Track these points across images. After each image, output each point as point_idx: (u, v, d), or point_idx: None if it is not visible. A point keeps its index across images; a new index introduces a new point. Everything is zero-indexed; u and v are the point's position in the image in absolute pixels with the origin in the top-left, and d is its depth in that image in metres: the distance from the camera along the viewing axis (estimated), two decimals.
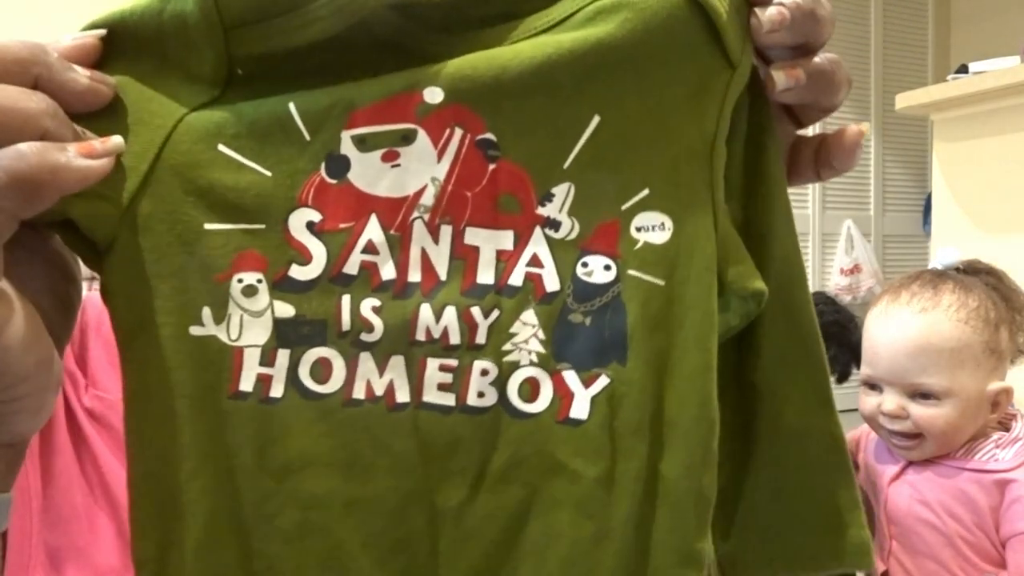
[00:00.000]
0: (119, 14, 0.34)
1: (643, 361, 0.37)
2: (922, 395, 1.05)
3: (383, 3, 0.36)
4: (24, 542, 0.50)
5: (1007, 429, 1.09)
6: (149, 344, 0.35)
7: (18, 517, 0.48)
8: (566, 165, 0.37)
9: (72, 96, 0.32)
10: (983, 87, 1.91)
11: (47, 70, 0.31)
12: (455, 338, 0.37)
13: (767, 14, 0.37)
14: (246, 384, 0.36)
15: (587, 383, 0.38)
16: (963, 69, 2.14)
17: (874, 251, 3.62)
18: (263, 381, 0.36)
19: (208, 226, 0.35)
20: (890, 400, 1.06)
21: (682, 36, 0.37)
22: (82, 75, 0.32)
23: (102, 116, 0.33)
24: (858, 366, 1.17)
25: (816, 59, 0.38)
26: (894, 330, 1.07)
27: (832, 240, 3.56)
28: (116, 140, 0.33)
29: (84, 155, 0.30)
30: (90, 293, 0.60)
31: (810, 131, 0.44)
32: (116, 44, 0.35)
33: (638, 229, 0.38)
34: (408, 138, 0.36)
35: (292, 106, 0.35)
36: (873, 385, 1.10)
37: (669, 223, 0.37)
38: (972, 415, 1.05)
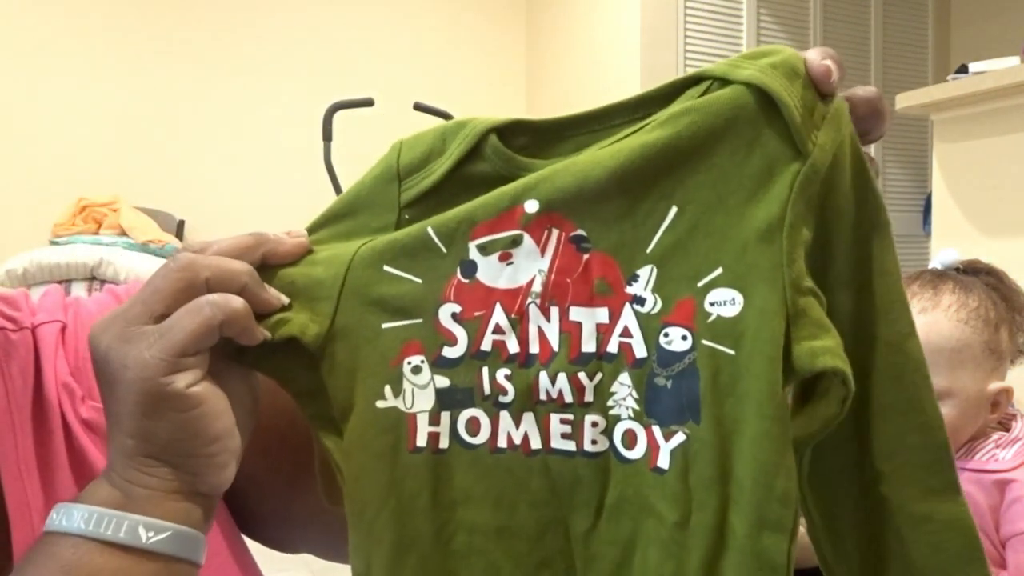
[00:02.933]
0: (336, 213, 0.49)
1: (714, 422, 0.42)
2: None
3: (488, 127, 0.47)
4: None
5: (1007, 429, 1.09)
6: (354, 418, 0.46)
7: (21, 536, 0.48)
8: (649, 250, 0.44)
9: (282, 253, 0.47)
10: (983, 87, 1.91)
11: (271, 244, 0.46)
12: (569, 398, 0.45)
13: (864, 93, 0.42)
14: (421, 441, 0.46)
15: (667, 437, 0.43)
16: (963, 69, 2.13)
17: None
18: (432, 438, 0.46)
19: (384, 326, 0.46)
20: None
21: (748, 129, 0.42)
22: (289, 240, 0.47)
23: (304, 261, 0.47)
24: None
25: (863, 93, 0.43)
26: None
27: None
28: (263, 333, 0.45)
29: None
30: (89, 296, 0.60)
31: None
32: (327, 223, 0.49)
33: (712, 304, 0.42)
34: (517, 241, 0.45)
35: (430, 229, 0.46)
36: None
37: (740, 298, 0.42)
38: (972, 415, 1.05)
